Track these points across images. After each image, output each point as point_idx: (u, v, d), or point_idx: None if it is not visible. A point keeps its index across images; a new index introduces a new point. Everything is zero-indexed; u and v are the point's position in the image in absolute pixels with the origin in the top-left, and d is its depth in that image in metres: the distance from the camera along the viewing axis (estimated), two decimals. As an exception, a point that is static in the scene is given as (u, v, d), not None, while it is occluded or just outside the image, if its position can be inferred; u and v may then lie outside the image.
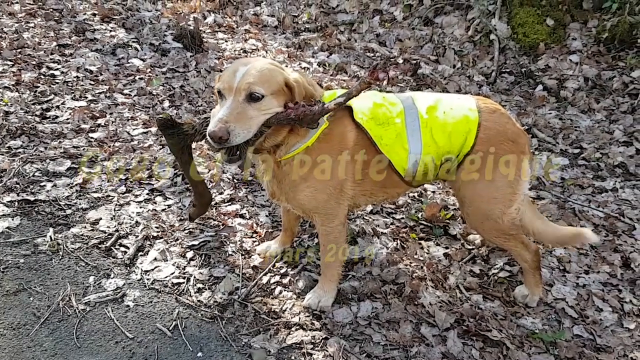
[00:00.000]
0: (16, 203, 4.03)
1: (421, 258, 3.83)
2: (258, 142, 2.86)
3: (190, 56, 6.82)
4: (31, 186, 4.21)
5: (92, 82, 5.89)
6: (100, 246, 3.75)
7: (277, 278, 3.61)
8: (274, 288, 3.54)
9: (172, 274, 3.57)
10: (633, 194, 4.67)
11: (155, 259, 3.67)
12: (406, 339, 3.19)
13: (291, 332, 3.21)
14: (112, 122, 5.18)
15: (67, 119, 5.12)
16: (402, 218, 4.25)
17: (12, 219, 3.88)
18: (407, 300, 3.45)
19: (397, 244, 3.95)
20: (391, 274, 3.64)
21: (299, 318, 3.30)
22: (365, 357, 3.08)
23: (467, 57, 7.27)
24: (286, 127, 2.89)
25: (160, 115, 2.93)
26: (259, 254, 3.80)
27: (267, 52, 7.24)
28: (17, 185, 4.18)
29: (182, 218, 4.06)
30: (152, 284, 3.49)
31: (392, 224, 4.18)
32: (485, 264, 3.83)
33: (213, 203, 4.24)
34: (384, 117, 3.04)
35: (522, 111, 6.06)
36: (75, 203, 4.11)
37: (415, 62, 2.47)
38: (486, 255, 3.89)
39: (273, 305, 3.39)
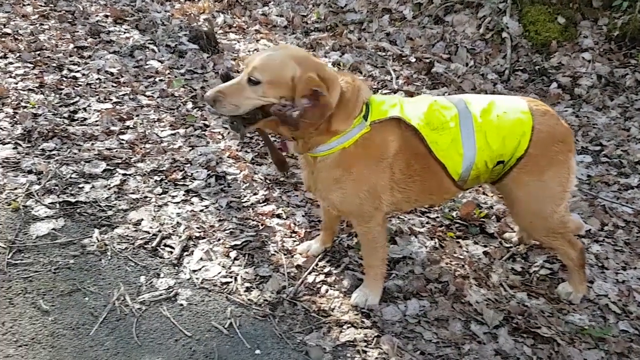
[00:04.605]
0: (57, 205, 4.06)
1: (461, 256, 3.89)
2: (261, 123, 2.95)
3: (207, 57, 6.82)
4: (70, 188, 4.23)
5: (114, 84, 5.90)
6: (146, 246, 3.79)
7: (322, 277, 3.66)
8: (320, 287, 3.59)
9: (219, 273, 3.62)
10: (658, 190, 4.76)
11: (201, 258, 3.72)
12: (457, 336, 3.25)
13: (343, 330, 3.27)
14: (140, 123, 5.20)
15: (96, 121, 5.13)
16: (437, 217, 4.30)
17: (56, 220, 3.91)
18: (453, 299, 3.52)
19: (435, 242, 4.01)
20: (434, 273, 3.69)
21: (349, 316, 3.36)
22: (419, 354, 3.14)
23: (479, 55, 7.32)
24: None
25: (223, 69, 3.07)
26: (300, 254, 3.85)
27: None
28: (56, 187, 4.20)
29: (221, 218, 4.10)
30: (201, 283, 3.53)
31: (427, 222, 4.24)
32: (525, 262, 3.89)
33: (249, 203, 4.29)
34: (438, 122, 3.06)
35: (539, 109, 6.12)
36: (115, 204, 4.14)
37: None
38: (525, 253, 3.96)
39: (322, 303, 3.45)
